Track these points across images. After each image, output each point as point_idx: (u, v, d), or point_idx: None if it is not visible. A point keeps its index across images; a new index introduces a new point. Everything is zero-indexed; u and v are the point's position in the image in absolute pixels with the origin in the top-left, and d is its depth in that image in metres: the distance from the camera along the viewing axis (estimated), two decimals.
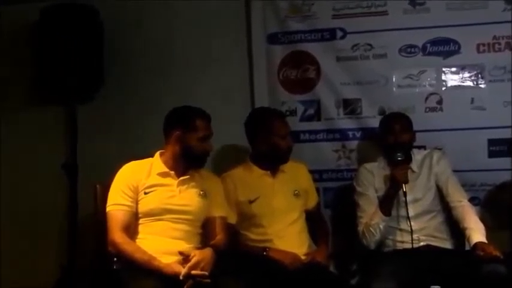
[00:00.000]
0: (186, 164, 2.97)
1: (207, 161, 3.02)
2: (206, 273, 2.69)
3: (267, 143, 3.22)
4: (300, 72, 3.71)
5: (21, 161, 3.78)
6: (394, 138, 3.23)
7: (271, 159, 3.25)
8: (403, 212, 3.15)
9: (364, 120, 3.65)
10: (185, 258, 2.73)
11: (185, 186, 2.95)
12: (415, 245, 3.10)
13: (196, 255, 2.72)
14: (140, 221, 2.89)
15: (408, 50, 3.61)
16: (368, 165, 3.36)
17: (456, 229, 3.18)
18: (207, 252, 2.78)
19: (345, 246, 3.49)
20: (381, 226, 3.14)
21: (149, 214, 2.88)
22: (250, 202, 3.20)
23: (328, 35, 3.68)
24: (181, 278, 2.66)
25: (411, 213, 3.14)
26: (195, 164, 2.99)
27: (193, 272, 2.67)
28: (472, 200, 3.35)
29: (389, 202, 3.16)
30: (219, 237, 2.95)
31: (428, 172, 3.28)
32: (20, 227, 3.75)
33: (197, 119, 2.93)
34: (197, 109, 2.98)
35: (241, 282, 2.72)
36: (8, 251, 3.72)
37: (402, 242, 3.16)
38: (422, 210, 3.20)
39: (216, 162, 3.49)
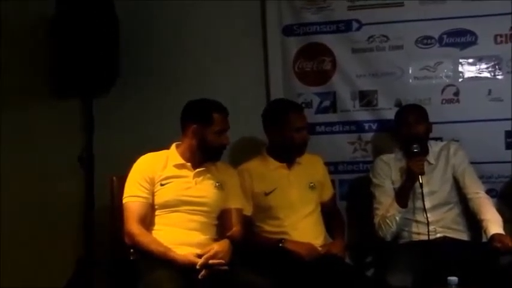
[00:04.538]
0: (202, 156, 2.97)
1: (223, 153, 3.02)
2: (223, 261, 2.70)
3: (282, 136, 3.21)
4: (316, 64, 3.69)
5: (38, 154, 3.79)
6: (408, 130, 3.21)
7: (286, 152, 3.25)
8: (419, 204, 3.13)
9: (380, 112, 3.63)
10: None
11: (201, 177, 2.96)
12: (432, 237, 3.09)
13: (214, 247, 2.74)
14: (156, 212, 2.91)
15: (424, 41, 3.58)
16: (384, 157, 3.35)
17: (473, 221, 3.17)
18: (225, 244, 2.80)
19: (361, 238, 3.49)
20: (397, 218, 3.13)
21: (165, 206, 2.90)
22: (266, 194, 3.20)
23: (344, 26, 3.65)
24: (197, 267, 2.67)
25: (428, 205, 3.13)
26: (212, 157, 3.00)
27: (210, 261, 2.68)
28: (489, 192, 3.33)
29: (405, 194, 3.14)
30: (235, 229, 2.96)
31: (445, 164, 3.26)
32: (36, 219, 3.76)
33: (214, 112, 2.93)
34: (214, 102, 2.98)
35: (259, 274, 2.74)
36: (24, 244, 3.74)
37: (418, 233, 3.16)
38: (439, 202, 3.19)
39: (231, 154, 3.48)
